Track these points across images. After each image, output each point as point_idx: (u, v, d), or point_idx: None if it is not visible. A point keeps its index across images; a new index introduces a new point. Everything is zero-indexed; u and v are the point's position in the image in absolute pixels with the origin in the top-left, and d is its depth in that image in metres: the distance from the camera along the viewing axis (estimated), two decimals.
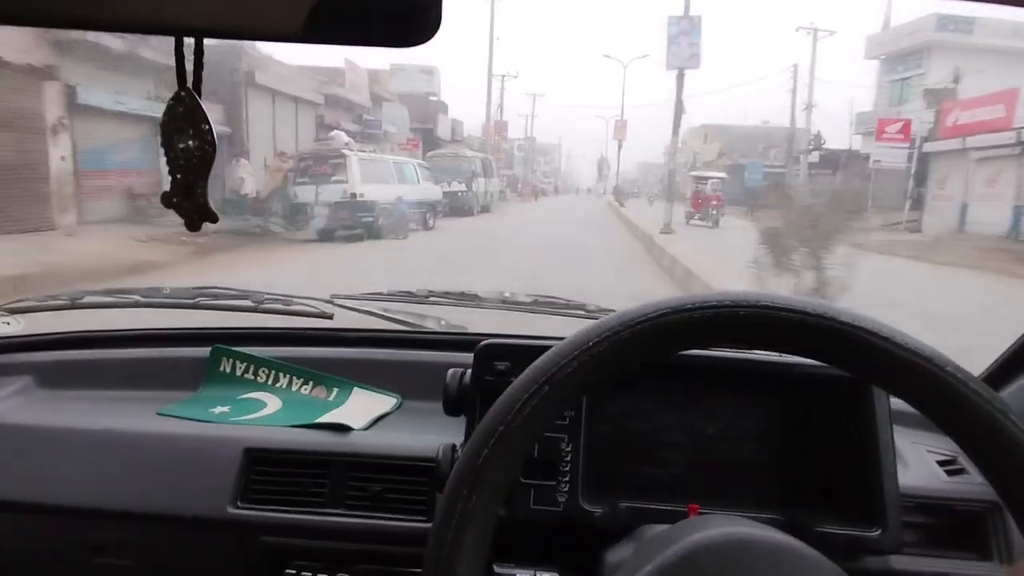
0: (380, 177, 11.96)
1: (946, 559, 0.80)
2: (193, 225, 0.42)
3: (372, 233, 10.52)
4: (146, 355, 1.16)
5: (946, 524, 0.83)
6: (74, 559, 0.93)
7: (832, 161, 22.01)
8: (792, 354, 0.50)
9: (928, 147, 17.88)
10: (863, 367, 0.47)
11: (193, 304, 1.18)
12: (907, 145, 17.58)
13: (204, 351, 1.12)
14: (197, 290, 1.21)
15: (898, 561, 0.78)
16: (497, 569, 0.68)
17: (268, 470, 0.89)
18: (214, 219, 0.42)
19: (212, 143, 0.40)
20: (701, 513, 0.72)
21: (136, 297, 1.19)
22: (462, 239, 11.87)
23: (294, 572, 0.86)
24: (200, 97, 0.39)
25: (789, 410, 0.84)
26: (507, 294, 1.26)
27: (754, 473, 0.83)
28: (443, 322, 1.26)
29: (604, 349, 0.47)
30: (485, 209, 19.15)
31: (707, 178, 19.61)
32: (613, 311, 0.50)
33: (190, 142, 0.40)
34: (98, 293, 1.21)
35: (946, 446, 0.93)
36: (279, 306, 1.19)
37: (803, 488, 0.80)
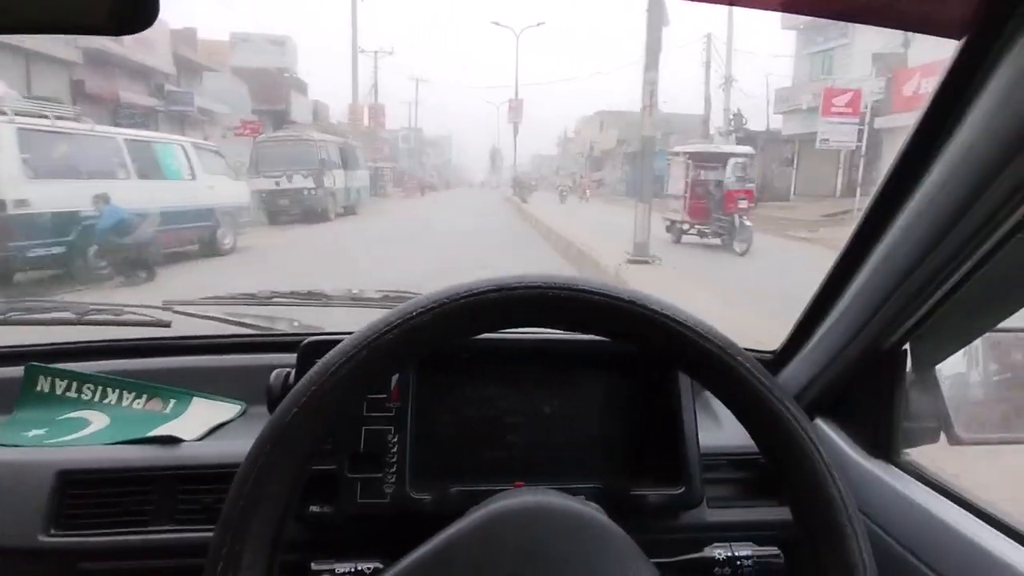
0: (72, 164, 6.44)
1: (752, 507, 0.89)
2: None
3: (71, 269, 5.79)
4: None
5: (754, 477, 0.92)
6: None
7: (750, 144, 17.59)
8: (604, 337, 0.53)
9: (881, 122, 15.02)
10: (656, 346, 0.51)
11: (3, 320, 1.07)
12: (857, 120, 14.83)
13: (17, 371, 1.02)
14: (6, 303, 1.09)
15: (712, 514, 0.86)
16: (315, 566, 0.68)
17: (85, 492, 0.83)
18: None
19: None
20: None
21: None
22: (285, 262, 7.54)
23: None
24: None
25: (612, 387, 0.89)
26: (355, 291, 1.24)
27: (583, 450, 0.88)
28: (296, 323, 1.23)
29: (426, 320, 0.48)
30: (350, 211, 15.68)
31: (723, 157, 11.00)
32: None
33: None
34: None
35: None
36: (107, 316, 1.11)
37: (623, 458, 0.86)
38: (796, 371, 0.93)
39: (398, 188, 31.19)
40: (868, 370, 0.84)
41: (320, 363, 0.48)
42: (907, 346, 0.81)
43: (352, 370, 0.47)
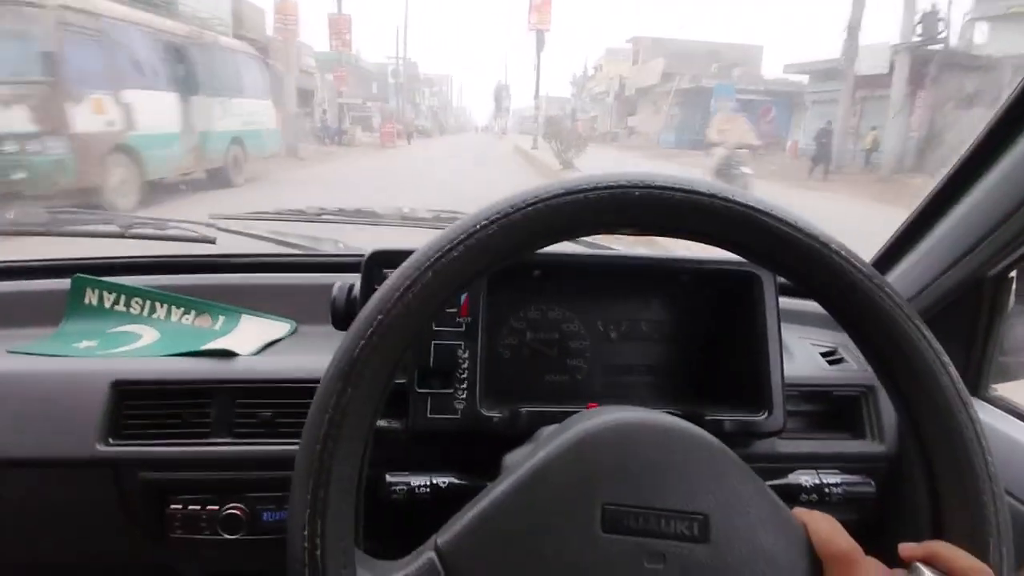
0: None
1: (824, 440, 0.86)
2: None
3: None
4: None
5: (826, 409, 0.88)
6: None
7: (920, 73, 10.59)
8: (689, 239, 0.48)
9: None
10: (761, 251, 0.46)
11: (44, 231, 1.04)
12: None
13: (65, 283, 1.00)
14: (51, 214, 1.06)
15: (783, 445, 0.83)
16: (389, 478, 0.66)
17: (141, 403, 0.81)
18: None
19: None
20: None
21: None
22: None
23: (180, 506, 0.80)
24: None
25: (684, 309, 0.85)
26: (406, 210, 1.19)
27: (653, 373, 0.85)
28: (339, 244, 1.19)
29: (493, 232, 0.43)
30: (218, 177, 8.57)
31: None
32: None
33: None
34: None
35: (829, 339, 0.98)
36: (151, 231, 1.07)
37: (698, 383, 0.82)
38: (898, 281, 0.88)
39: (370, 133, 24.49)
40: (964, 298, 0.78)
41: (384, 287, 0.44)
42: (1013, 274, 0.75)
43: (417, 294, 0.43)
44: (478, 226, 0.44)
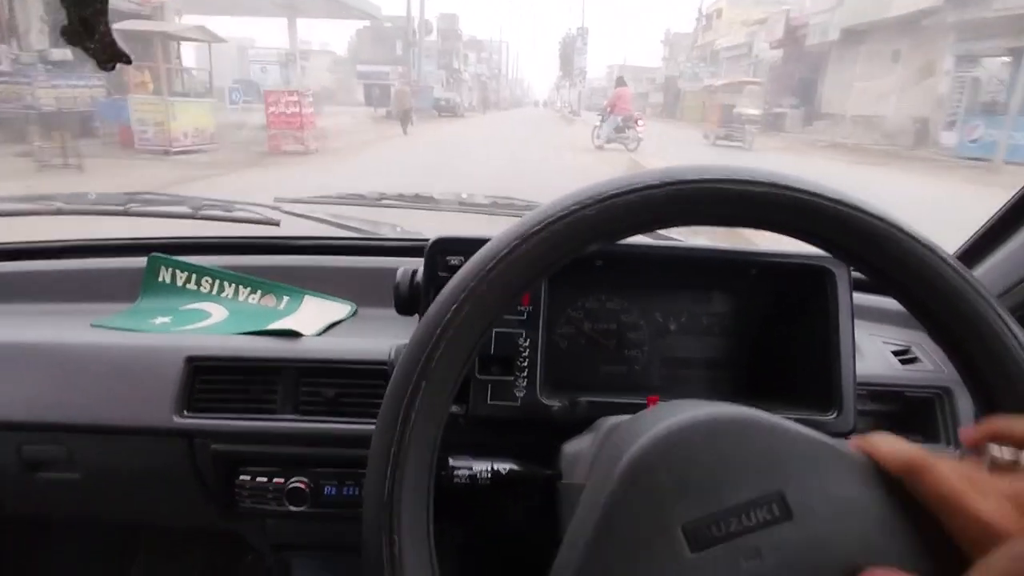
0: None
1: None
2: (105, 64, 0.35)
3: None
4: (76, 266, 1.08)
5: (898, 410, 0.85)
6: (13, 476, 0.88)
7: None
8: (773, 230, 0.46)
9: None
10: (835, 241, 0.45)
11: (123, 211, 1.09)
12: None
13: (140, 261, 1.04)
14: (127, 196, 1.11)
15: None
16: (452, 462, 0.67)
17: (213, 378, 0.85)
18: (126, 59, 0.35)
19: None
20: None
21: (59, 204, 1.09)
22: None
23: (248, 478, 0.84)
24: None
25: (747, 302, 0.83)
26: (464, 196, 1.20)
27: (714, 367, 0.83)
28: (398, 228, 1.20)
29: (550, 234, 0.43)
30: None
31: None
32: None
33: None
34: (15, 199, 1.10)
35: (901, 337, 0.95)
36: (220, 212, 1.11)
37: (762, 379, 0.80)
38: (987, 274, 0.84)
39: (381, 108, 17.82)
40: None
41: (445, 293, 0.45)
42: None
43: (479, 299, 0.44)
44: (539, 225, 0.43)
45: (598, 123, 14.25)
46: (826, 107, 21.24)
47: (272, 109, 11.61)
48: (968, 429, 0.43)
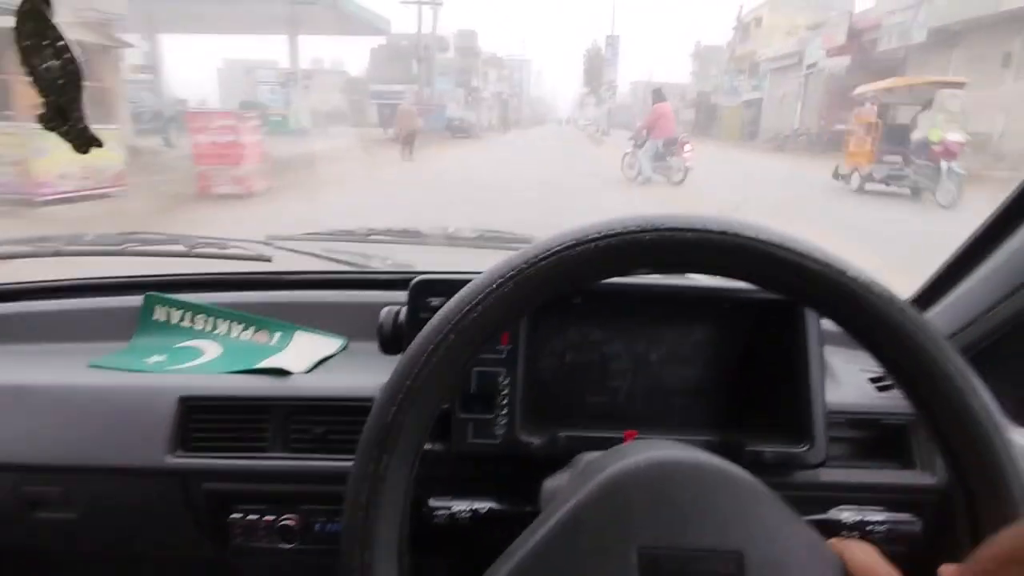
0: None
1: (871, 469, 0.84)
2: (81, 148, 0.38)
3: None
4: (74, 306, 1.11)
5: (874, 437, 0.87)
6: (12, 515, 0.90)
7: None
8: (729, 277, 0.49)
9: None
10: (789, 287, 0.47)
11: (120, 251, 1.12)
12: None
13: (136, 300, 1.07)
14: (124, 236, 1.14)
15: (827, 474, 0.82)
16: (432, 502, 0.69)
17: (206, 417, 0.87)
18: (98, 143, 0.38)
19: (74, 61, 0.36)
20: (638, 439, 0.73)
21: (58, 245, 1.12)
22: None
23: (240, 515, 0.86)
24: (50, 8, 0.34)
25: (726, 333, 0.85)
26: (451, 229, 1.23)
27: (692, 397, 0.85)
28: (388, 261, 1.23)
29: (509, 290, 0.46)
30: None
31: None
32: None
33: (51, 62, 0.36)
34: (14, 242, 1.14)
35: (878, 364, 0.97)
36: (214, 250, 1.14)
37: (738, 409, 0.83)
38: (938, 319, 0.86)
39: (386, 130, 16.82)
40: (1020, 331, 0.76)
41: (410, 351, 0.47)
42: None
43: (443, 356, 0.46)
44: (494, 285, 0.46)
45: (629, 149, 11.41)
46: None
47: (200, 139, 8.53)
48: (949, 567, 0.43)
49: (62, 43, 0.35)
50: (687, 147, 10.48)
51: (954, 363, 0.45)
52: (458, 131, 22.46)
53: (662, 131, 10.77)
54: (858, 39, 19.31)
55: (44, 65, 0.36)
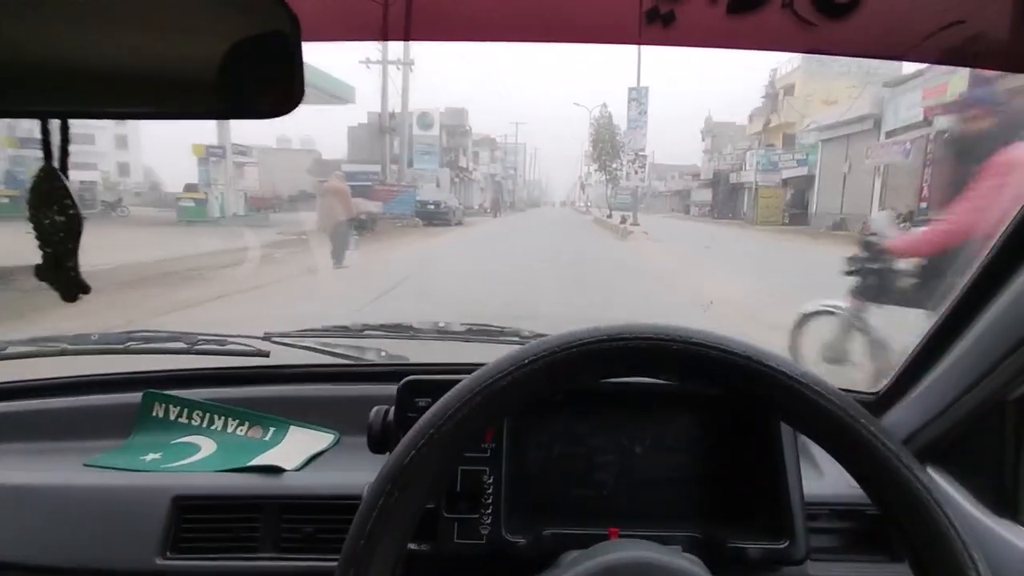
0: None
1: (859, 563, 0.84)
2: (69, 297, 0.42)
3: None
4: (75, 404, 1.14)
5: (860, 529, 0.87)
6: None
7: None
8: (701, 384, 0.53)
9: None
10: (765, 397, 0.51)
11: (123, 349, 1.16)
12: None
13: (136, 397, 1.10)
14: (127, 334, 1.19)
15: (814, 568, 0.82)
16: None
17: (198, 517, 0.88)
18: (86, 289, 0.42)
19: (77, 213, 0.41)
20: (621, 536, 0.74)
21: (63, 345, 1.16)
22: None
23: None
24: (66, 176, 0.39)
25: (707, 427, 0.87)
26: (441, 324, 1.27)
27: (677, 490, 0.86)
28: (383, 353, 1.27)
29: (507, 384, 0.50)
30: None
31: None
32: (546, 336, 0.53)
33: (56, 217, 0.40)
34: (21, 343, 1.18)
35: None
36: (213, 346, 1.18)
37: (721, 505, 0.83)
38: (903, 415, 0.88)
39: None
40: (990, 420, 0.78)
41: (439, 405, 0.51)
42: None
43: (469, 414, 0.50)
44: (491, 379, 0.50)
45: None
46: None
47: None
48: None
49: (68, 202, 0.40)
50: None
51: (930, 494, 0.48)
52: (433, 217, 18.16)
53: None
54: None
55: (47, 220, 0.41)
